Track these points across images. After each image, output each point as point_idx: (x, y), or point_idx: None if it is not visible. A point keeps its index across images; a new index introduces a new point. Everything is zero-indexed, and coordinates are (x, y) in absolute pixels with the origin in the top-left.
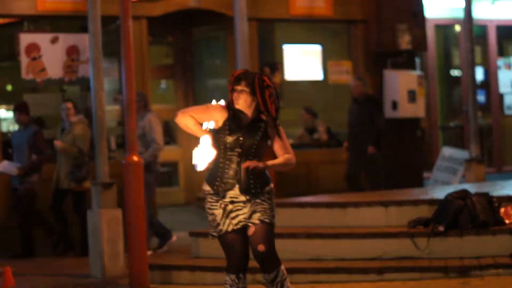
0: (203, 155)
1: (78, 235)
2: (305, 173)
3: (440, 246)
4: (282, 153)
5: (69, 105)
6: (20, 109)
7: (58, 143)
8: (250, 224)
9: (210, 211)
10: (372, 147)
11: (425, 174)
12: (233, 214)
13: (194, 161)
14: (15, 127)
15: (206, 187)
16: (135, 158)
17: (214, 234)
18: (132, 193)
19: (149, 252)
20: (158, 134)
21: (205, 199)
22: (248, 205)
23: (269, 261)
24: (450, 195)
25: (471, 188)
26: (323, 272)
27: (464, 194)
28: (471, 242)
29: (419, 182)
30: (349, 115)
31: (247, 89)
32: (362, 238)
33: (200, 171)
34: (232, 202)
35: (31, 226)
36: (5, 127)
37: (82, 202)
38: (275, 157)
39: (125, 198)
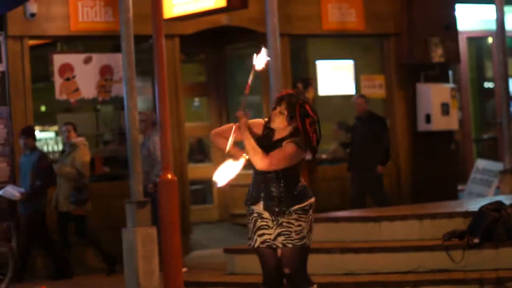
0: (226, 172)
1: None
2: (339, 187)
3: (475, 258)
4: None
5: (69, 127)
6: (27, 134)
7: (57, 166)
8: (275, 245)
9: (247, 222)
10: (381, 167)
11: (460, 187)
12: (259, 232)
13: (214, 177)
14: (48, 147)
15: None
16: (170, 176)
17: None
18: (167, 210)
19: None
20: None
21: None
22: (274, 224)
23: (296, 283)
24: (484, 207)
25: (506, 199)
26: (357, 286)
27: (498, 205)
28: (507, 254)
29: (453, 195)
30: (352, 133)
31: (285, 112)
32: (397, 251)
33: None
34: (260, 217)
35: (61, 249)
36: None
37: (82, 225)
38: (309, 175)
39: (160, 215)
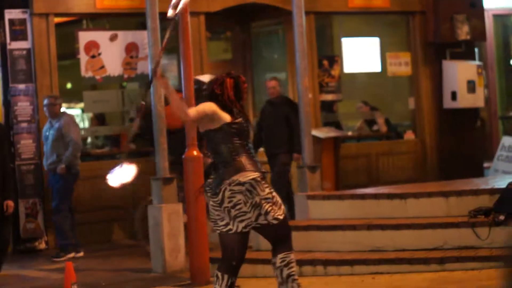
0: (121, 175)
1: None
2: (365, 164)
3: (501, 235)
4: None
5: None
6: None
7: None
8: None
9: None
10: (297, 155)
11: (486, 164)
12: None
13: (108, 176)
14: None
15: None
16: (195, 152)
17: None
18: (192, 187)
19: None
20: (75, 134)
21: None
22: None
23: None
24: (510, 184)
25: None
26: (384, 263)
27: None
28: None
29: (479, 172)
30: (261, 117)
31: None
32: (423, 228)
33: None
34: None
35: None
36: None
37: None
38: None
39: (186, 192)
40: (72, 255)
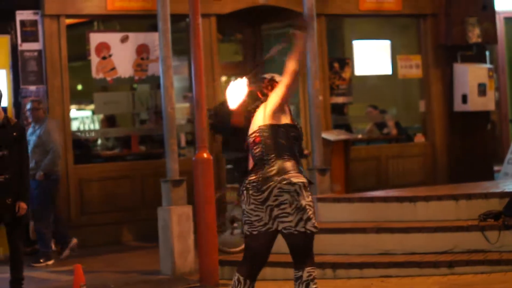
0: (236, 93)
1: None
2: (375, 167)
3: (511, 239)
4: None
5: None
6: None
7: None
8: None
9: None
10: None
11: (496, 167)
12: None
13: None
14: (84, 126)
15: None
16: (205, 155)
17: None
18: (202, 189)
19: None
20: (56, 141)
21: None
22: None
23: None
24: None
25: None
26: (393, 266)
27: None
28: None
29: (489, 175)
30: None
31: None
32: (432, 232)
33: None
34: None
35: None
36: (75, 127)
37: None
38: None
39: (195, 194)
40: (51, 262)
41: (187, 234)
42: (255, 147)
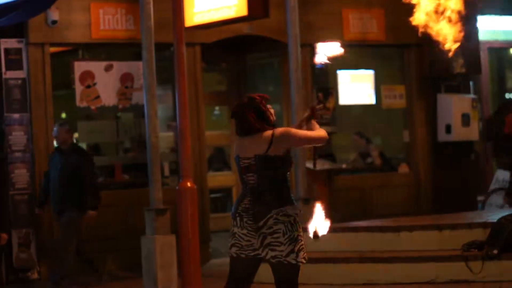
0: (318, 220)
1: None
2: (358, 197)
3: (494, 269)
4: None
5: None
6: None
7: None
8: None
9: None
10: (93, 211)
11: (479, 198)
12: None
13: (312, 231)
14: None
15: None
16: (189, 184)
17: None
18: (185, 218)
19: None
20: None
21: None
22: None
23: None
24: (503, 218)
25: None
26: None
27: None
28: None
29: (473, 206)
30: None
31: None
32: (415, 261)
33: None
34: None
35: None
36: None
37: None
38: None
39: (179, 224)
40: None
41: (170, 264)
42: (248, 174)
